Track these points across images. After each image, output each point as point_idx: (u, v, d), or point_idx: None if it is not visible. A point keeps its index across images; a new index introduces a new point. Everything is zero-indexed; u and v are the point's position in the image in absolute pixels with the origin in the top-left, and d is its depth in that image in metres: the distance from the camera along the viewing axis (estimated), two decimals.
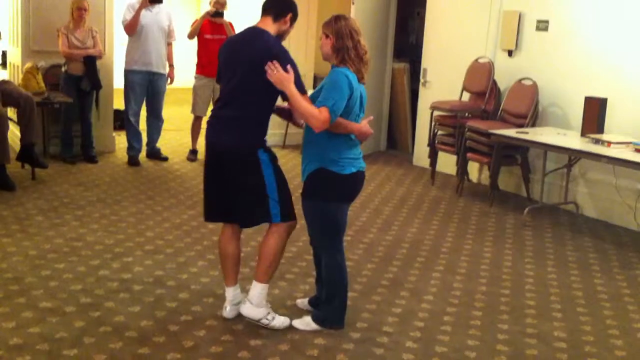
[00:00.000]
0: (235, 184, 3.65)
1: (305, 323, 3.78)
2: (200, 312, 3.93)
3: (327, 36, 3.62)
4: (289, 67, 3.50)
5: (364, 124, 3.66)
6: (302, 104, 3.47)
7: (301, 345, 3.59)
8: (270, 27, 3.64)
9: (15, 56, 7.81)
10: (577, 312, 4.24)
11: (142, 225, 5.44)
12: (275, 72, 3.47)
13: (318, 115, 3.44)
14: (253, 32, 3.67)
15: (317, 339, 3.66)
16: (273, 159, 3.67)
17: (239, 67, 3.59)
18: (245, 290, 3.92)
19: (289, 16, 3.68)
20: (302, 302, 4.07)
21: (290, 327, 3.76)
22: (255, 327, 3.74)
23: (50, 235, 5.09)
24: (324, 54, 3.68)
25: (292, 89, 3.48)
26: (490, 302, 4.31)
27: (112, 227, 5.35)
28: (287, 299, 4.15)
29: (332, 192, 3.64)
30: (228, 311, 3.83)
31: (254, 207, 3.66)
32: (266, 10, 3.68)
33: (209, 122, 3.75)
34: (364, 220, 5.88)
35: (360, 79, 3.63)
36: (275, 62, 3.47)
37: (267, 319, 3.73)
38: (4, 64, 8.84)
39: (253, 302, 3.73)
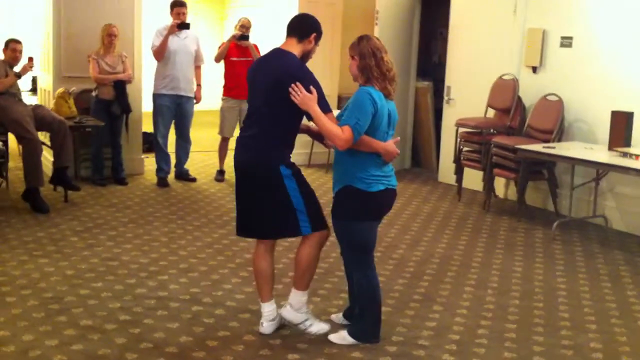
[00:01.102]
0: (260, 201, 3.75)
1: (342, 337, 3.82)
2: (237, 327, 3.99)
3: (352, 57, 3.71)
4: (311, 87, 3.59)
5: (389, 143, 3.70)
6: (326, 123, 3.56)
7: (338, 359, 3.63)
8: (295, 48, 3.74)
9: (46, 82, 7.99)
10: (612, 323, 4.24)
11: (174, 245, 5.53)
12: (299, 94, 3.56)
13: (341, 134, 3.53)
14: (277, 54, 3.78)
15: (354, 353, 3.70)
16: (296, 172, 3.75)
17: (263, 87, 3.71)
18: (279, 306, 3.98)
19: (313, 36, 3.77)
20: (337, 316, 4.12)
21: (327, 342, 3.80)
22: (292, 342, 3.79)
23: (85, 255, 5.18)
24: (353, 75, 3.76)
25: (315, 109, 3.56)
26: (523, 315, 4.32)
27: (146, 247, 5.44)
28: (322, 314, 4.19)
29: (359, 210, 3.69)
30: (265, 327, 3.89)
31: (282, 222, 3.75)
32: (291, 31, 3.78)
33: (237, 141, 3.88)
34: (392, 236, 5.92)
35: (388, 96, 3.69)
36: (298, 84, 3.57)
37: (304, 325, 3.85)
38: (34, 90, 9.05)
39: (293, 306, 3.85)
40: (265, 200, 3.73)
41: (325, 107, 3.62)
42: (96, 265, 4.96)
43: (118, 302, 4.30)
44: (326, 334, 3.86)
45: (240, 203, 3.88)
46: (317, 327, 3.87)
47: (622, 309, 4.47)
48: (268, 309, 3.90)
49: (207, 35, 13.12)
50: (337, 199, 3.75)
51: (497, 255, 5.54)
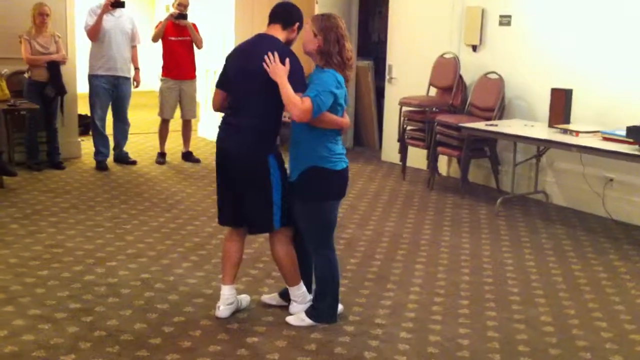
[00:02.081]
0: (244, 189, 3.70)
1: (300, 319, 3.80)
2: (193, 312, 3.93)
3: (315, 35, 3.63)
4: (287, 60, 3.53)
5: (346, 118, 3.75)
6: (288, 91, 3.50)
7: (298, 341, 3.62)
8: (280, 34, 3.70)
9: None
10: (560, 297, 4.36)
11: (119, 230, 5.39)
12: (272, 64, 3.51)
13: (299, 103, 3.48)
14: (264, 39, 3.69)
15: (314, 334, 3.69)
16: (281, 164, 3.71)
17: (250, 74, 3.61)
18: (239, 292, 3.99)
19: (296, 25, 3.73)
20: (271, 297, 4.06)
21: (285, 324, 3.79)
22: (249, 326, 3.76)
23: (28, 242, 5.00)
24: (307, 51, 3.67)
25: (282, 79, 3.51)
26: (475, 291, 4.40)
27: (90, 233, 5.29)
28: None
29: (327, 190, 3.68)
30: (222, 310, 3.84)
31: (260, 213, 3.71)
32: (275, 18, 3.73)
33: (220, 129, 3.77)
34: (341, 216, 5.85)
35: (346, 82, 3.68)
36: (275, 53, 3.52)
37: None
38: None
39: (298, 301, 3.86)
40: (249, 189, 3.69)
41: (298, 86, 3.54)
42: (40, 253, 4.80)
43: (66, 290, 4.17)
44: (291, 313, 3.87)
45: (221, 190, 3.82)
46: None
47: (568, 283, 4.60)
48: (229, 292, 3.85)
49: (138, 14, 12.78)
50: (302, 181, 3.68)
51: (444, 232, 5.61)
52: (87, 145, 7.89)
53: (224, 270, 3.89)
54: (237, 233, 3.86)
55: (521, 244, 5.39)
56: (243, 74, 3.66)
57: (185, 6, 7.60)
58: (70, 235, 5.20)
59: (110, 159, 7.66)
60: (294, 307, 3.88)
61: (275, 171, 3.67)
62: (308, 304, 3.85)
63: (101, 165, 7.42)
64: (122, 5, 7.28)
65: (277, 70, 3.52)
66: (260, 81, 3.58)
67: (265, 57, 3.52)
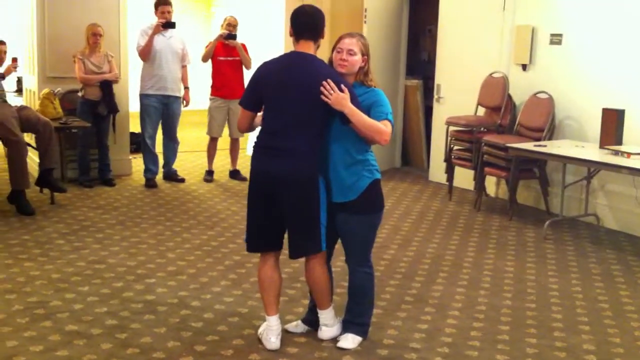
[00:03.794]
0: (292, 212, 3.58)
1: (353, 341, 3.75)
2: (226, 331, 3.92)
3: (363, 54, 3.59)
4: (343, 86, 3.44)
5: None
6: (367, 120, 3.46)
7: None
8: (313, 49, 3.60)
9: (31, 83, 7.88)
10: (605, 324, 4.20)
11: (162, 247, 5.45)
12: (332, 93, 3.41)
13: (385, 129, 3.49)
14: (303, 59, 3.57)
15: (345, 357, 3.64)
16: (324, 185, 3.63)
17: (295, 95, 3.50)
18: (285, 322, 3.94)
19: (323, 33, 3.64)
20: (295, 325, 3.94)
21: (318, 345, 3.75)
22: (282, 346, 3.71)
23: (72, 258, 5.10)
24: (350, 72, 3.58)
25: (351, 107, 3.42)
26: (516, 316, 4.28)
27: (133, 249, 5.36)
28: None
29: (382, 199, 3.75)
30: (274, 342, 3.68)
31: (308, 235, 3.61)
32: (304, 34, 3.57)
33: (261, 152, 3.61)
34: (383, 236, 5.86)
35: None
36: (329, 81, 3.42)
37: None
38: (20, 90, 8.93)
39: (329, 324, 3.79)
40: (297, 211, 3.57)
41: (358, 107, 3.47)
42: (82, 269, 4.88)
43: (104, 306, 4.22)
44: (321, 339, 3.81)
45: (258, 215, 3.64)
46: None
47: (615, 310, 4.43)
48: (277, 322, 3.73)
49: (193, 34, 13.03)
50: (367, 195, 3.61)
51: (488, 254, 5.49)
52: (138, 163, 8.03)
53: (267, 301, 3.71)
54: (273, 259, 3.72)
55: (568, 268, 5.22)
56: (287, 96, 3.52)
57: (234, 26, 7.69)
58: (114, 252, 5.28)
59: (159, 177, 7.78)
60: (325, 332, 3.79)
61: (323, 192, 3.61)
62: (337, 326, 3.80)
63: (150, 183, 7.54)
64: (172, 26, 7.42)
65: (340, 99, 3.41)
66: (309, 103, 3.48)
67: (322, 88, 3.41)
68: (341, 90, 3.43)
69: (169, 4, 7.46)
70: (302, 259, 3.81)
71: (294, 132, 3.53)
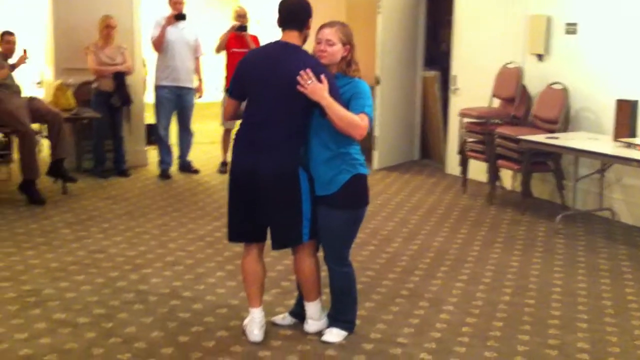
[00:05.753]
0: (273, 204, 3.53)
1: (337, 335, 3.70)
2: (212, 323, 3.90)
3: (344, 44, 3.49)
4: (322, 76, 3.36)
5: None
6: (343, 112, 3.35)
7: (312, 357, 3.53)
8: (298, 40, 3.52)
9: (49, 74, 7.97)
10: (604, 322, 4.06)
11: (165, 237, 5.45)
12: (309, 83, 3.34)
13: (361, 123, 3.39)
14: (286, 49, 3.50)
15: (328, 351, 3.58)
16: (308, 175, 3.57)
17: (277, 87, 3.44)
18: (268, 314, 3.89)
19: (309, 20, 3.56)
20: (282, 317, 3.90)
21: (301, 339, 3.70)
22: (265, 339, 3.67)
23: (73, 247, 5.13)
24: (332, 62, 3.50)
25: (328, 99, 3.33)
26: (512, 313, 4.16)
27: (136, 239, 5.37)
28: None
29: (366, 195, 3.64)
30: (257, 334, 3.66)
31: (290, 226, 3.56)
32: (289, 24, 3.52)
33: (242, 145, 3.55)
34: (389, 230, 5.78)
35: None
36: (308, 70, 3.34)
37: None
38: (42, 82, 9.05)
39: (314, 317, 3.74)
40: (278, 203, 3.52)
41: (337, 99, 3.39)
42: (82, 258, 4.91)
43: (96, 295, 4.24)
44: (307, 332, 3.76)
45: (238, 206, 3.59)
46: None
47: (618, 307, 4.28)
48: (260, 314, 3.69)
49: (219, 26, 13.00)
50: (347, 189, 3.51)
51: (495, 249, 5.37)
52: (154, 154, 8.06)
53: (251, 293, 3.68)
54: (256, 251, 3.68)
55: (576, 264, 5.07)
56: (268, 87, 3.45)
57: (243, 16, 7.66)
58: (116, 242, 5.30)
59: (175, 168, 7.80)
60: (311, 325, 3.74)
61: (304, 183, 3.54)
62: (323, 320, 3.75)
63: (164, 174, 7.57)
64: (183, 18, 7.40)
65: (317, 90, 3.32)
66: (290, 95, 3.39)
67: (299, 77, 3.33)
68: (320, 81, 3.35)
69: None
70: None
71: (274, 124, 3.46)
